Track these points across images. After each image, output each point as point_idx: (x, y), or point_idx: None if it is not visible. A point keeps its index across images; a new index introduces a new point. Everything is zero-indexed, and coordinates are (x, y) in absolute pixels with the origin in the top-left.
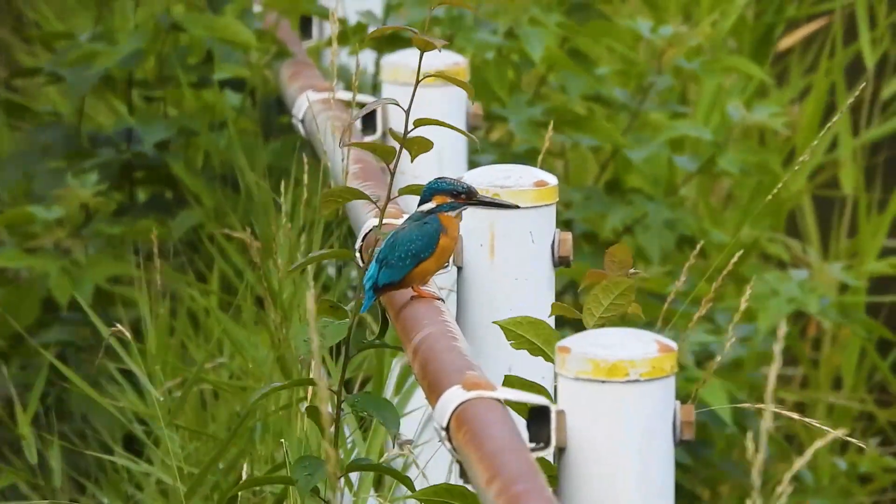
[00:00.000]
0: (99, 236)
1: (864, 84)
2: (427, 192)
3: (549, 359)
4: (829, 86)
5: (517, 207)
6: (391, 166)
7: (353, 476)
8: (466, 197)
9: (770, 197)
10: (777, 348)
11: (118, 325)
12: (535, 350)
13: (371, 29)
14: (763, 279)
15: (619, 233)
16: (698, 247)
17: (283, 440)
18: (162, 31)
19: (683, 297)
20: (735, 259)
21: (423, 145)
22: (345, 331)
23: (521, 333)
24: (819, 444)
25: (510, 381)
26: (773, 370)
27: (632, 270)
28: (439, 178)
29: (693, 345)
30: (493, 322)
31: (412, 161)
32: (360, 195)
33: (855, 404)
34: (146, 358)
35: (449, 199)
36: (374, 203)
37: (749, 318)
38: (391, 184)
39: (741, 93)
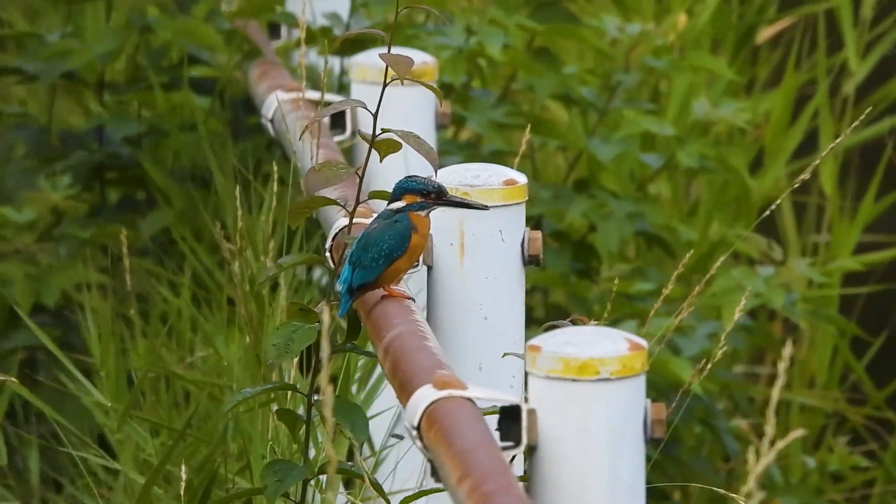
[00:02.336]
0: (69, 239)
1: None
2: (397, 191)
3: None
4: (800, 83)
5: (486, 208)
6: (360, 170)
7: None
8: (436, 196)
9: (763, 203)
10: (781, 367)
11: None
12: None
13: (337, 31)
14: (729, 275)
15: (588, 227)
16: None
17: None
18: (134, 32)
19: (654, 295)
20: (718, 264)
21: (391, 146)
22: (313, 335)
23: None
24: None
25: None
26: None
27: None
28: (409, 177)
29: (656, 329)
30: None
31: (381, 161)
32: (330, 202)
33: (827, 404)
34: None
35: (419, 199)
36: (343, 206)
37: (718, 315)
38: (360, 186)
39: (714, 89)
